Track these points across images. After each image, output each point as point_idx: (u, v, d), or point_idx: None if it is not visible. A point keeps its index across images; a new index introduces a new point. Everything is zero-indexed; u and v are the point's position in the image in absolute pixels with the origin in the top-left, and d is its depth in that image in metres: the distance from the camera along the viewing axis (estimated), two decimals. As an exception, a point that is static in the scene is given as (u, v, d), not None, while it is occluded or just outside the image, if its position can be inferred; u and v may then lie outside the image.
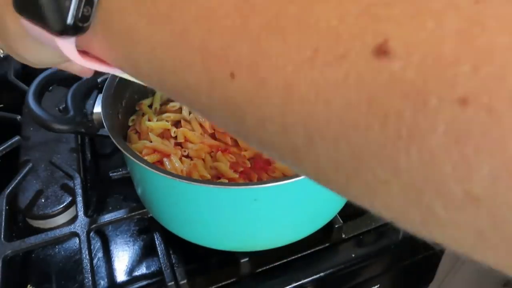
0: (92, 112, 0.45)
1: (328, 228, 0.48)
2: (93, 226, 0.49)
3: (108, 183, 0.56)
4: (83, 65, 0.20)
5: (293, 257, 0.49)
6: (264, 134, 0.15)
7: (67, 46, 0.19)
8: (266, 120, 0.14)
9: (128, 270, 0.50)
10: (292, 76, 0.13)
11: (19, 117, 0.65)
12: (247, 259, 0.46)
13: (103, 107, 0.43)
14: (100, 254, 0.51)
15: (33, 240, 0.47)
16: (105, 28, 0.18)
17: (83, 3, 0.17)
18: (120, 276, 0.49)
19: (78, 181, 0.54)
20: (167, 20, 0.16)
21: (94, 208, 0.56)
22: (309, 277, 0.47)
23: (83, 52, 0.21)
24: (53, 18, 0.18)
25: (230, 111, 0.15)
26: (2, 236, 0.48)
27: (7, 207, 0.51)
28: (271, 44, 0.13)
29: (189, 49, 0.15)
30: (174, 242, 0.48)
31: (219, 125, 0.18)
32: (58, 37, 0.19)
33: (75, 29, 0.18)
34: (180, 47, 0.15)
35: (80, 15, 0.18)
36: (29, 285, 0.48)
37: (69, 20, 0.18)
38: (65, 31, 0.18)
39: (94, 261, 0.50)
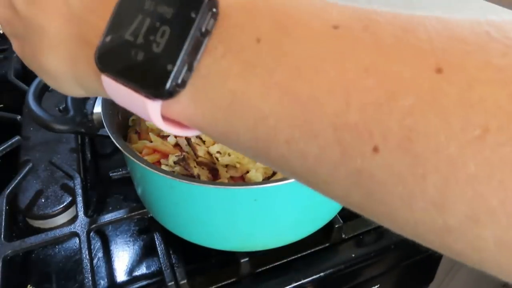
0: (92, 112, 0.45)
1: (328, 228, 0.48)
2: (93, 226, 0.49)
3: (108, 183, 0.56)
4: (163, 129, 0.19)
5: (293, 257, 0.49)
6: (406, 212, 0.14)
7: (154, 108, 0.18)
8: (416, 198, 0.13)
9: (128, 270, 0.50)
10: (457, 155, 0.12)
11: (19, 117, 0.65)
12: (247, 259, 0.46)
13: (103, 107, 0.43)
14: (100, 254, 0.51)
15: (33, 240, 0.47)
16: (198, 92, 0.17)
17: (185, 69, 0.16)
18: (120, 276, 0.49)
19: (78, 181, 0.54)
20: (287, 89, 0.15)
21: (94, 208, 0.56)
22: (309, 277, 0.47)
23: None
24: (151, 81, 0.17)
25: (362, 185, 0.14)
26: (2, 236, 0.48)
27: (7, 207, 0.51)
28: (428, 121, 0.13)
29: (316, 120, 0.14)
30: (174, 242, 0.48)
31: (328, 194, 0.17)
32: (150, 100, 0.17)
33: (170, 94, 0.17)
34: (304, 117, 0.15)
35: (180, 80, 0.16)
36: (29, 285, 0.48)
37: (168, 85, 0.16)
38: (160, 95, 0.17)
39: (94, 261, 0.50)
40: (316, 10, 0.16)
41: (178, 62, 0.16)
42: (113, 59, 0.18)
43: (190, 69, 0.16)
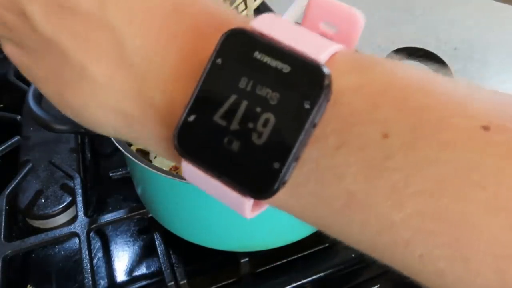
0: (92, 112, 0.45)
1: (328, 228, 0.48)
2: (93, 226, 0.49)
3: (108, 183, 0.56)
4: (246, 216, 0.16)
5: (293, 257, 0.49)
6: None
7: (249, 204, 0.15)
8: None
9: (128, 270, 0.50)
10: None
11: (19, 117, 0.65)
12: (247, 259, 0.46)
13: (103, 107, 0.43)
14: (100, 254, 0.51)
15: (33, 240, 0.47)
16: (301, 187, 0.14)
17: (293, 165, 0.14)
18: (120, 276, 0.49)
19: (78, 181, 0.54)
20: (430, 202, 0.13)
21: (94, 208, 0.56)
22: (309, 277, 0.47)
23: None
24: (252, 180, 0.14)
25: None
26: (2, 236, 0.48)
27: (7, 207, 0.51)
28: None
29: (469, 243, 0.12)
30: (174, 242, 0.48)
31: None
32: (246, 198, 0.15)
33: (273, 194, 0.14)
34: (451, 237, 0.13)
35: (286, 178, 0.14)
36: (29, 285, 0.48)
37: (276, 187, 0.14)
38: (262, 197, 0.14)
39: (94, 261, 0.50)
40: (453, 98, 0.13)
41: (288, 161, 0.13)
42: (199, 145, 0.15)
43: (296, 163, 0.14)
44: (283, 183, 0.14)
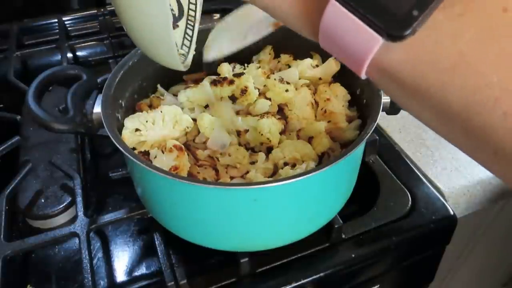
0: (92, 112, 0.45)
1: (328, 228, 0.48)
2: (93, 226, 0.49)
3: (108, 183, 0.56)
4: (364, 62, 0.18)
5: (293, 257, 0.49)
6: None
7: (376, 47, 0.17)
8: None
9: (128, 270, 0.50)
10: None
11: (19, 117, 0.65)
12: (247, 259, 0.46)
13: (103, 107, 0.43)
14: (100, 254, 0.51)
15: (33, 240, 0.47)
16: (418, 45, 0.17)
17: (425, 19, 0.16)
18: (120, 276, 0.49)
19: (78, 181, 0.54)
20: None
21: (94, 208, 0.56)
22: (309, 277, 0.47)
23: None
24: (393, 21, 0.16)
25: None
26: (2, 236, 0.48)
27: (7, 207, 0.51)
28: None
29: None
30: (174, 242, 0.48)
31: None
32: (380, 37, 0.17)
33: (400, 39, 0.16)
34: None
35: (418, 27, 0.16)
36: (29, 285, 0.48)
37: (410, 31, 0.16)
38: (394, 38, 0.17)
39: (94, 261, 0.50)
40: None
41: (425, 12, 0.16)
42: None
43: (426, 19, 0.16)
44: (415, 31, 0.16)
